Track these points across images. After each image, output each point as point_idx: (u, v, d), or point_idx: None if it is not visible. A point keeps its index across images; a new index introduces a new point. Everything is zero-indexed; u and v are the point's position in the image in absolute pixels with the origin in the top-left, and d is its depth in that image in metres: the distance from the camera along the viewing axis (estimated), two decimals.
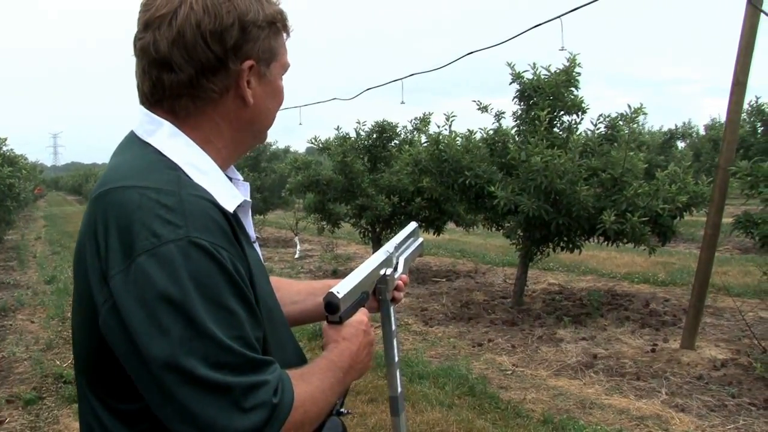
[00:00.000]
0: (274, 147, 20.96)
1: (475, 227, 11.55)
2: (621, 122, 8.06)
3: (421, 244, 1.82)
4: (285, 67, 1.29)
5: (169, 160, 1.14)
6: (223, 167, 1.24)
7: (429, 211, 11.20)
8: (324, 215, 11.75)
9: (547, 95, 7.97)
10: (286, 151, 20.09)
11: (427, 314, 8.63)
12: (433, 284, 10.94)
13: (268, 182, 18.67)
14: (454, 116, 8.49)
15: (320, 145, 11.34)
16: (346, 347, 1.27)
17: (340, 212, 11.74)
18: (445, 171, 8.11)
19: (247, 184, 1.34)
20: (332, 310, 1.26)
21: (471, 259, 13.86)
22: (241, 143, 1.29)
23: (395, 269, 1.58)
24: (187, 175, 1.13)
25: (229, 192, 1.17)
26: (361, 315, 1.34)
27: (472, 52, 9.68)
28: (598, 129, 8.08)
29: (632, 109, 7.37)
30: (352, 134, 11.38)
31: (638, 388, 5.76)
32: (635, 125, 7.57)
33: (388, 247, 1.59)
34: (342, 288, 1.28)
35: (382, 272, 1.50)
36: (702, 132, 22.43)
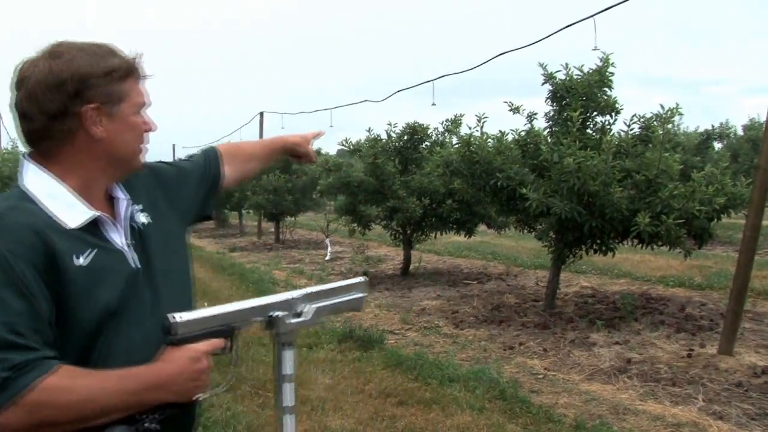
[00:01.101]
0: None
1: (506, 229, 11.46)
2: (655, 122, 7.92)
3: (360, 299, 1.78)
4: (138, 105, 1.54)
5: (27, 194, 1.44)
6: (95, 189, 1.52)
7: (460, 213, 11.13)
8: (355, 217, 11.75)
9: (580, 96, 7.86)
10: (317, 153, 20.12)
11: (458, 317, 8.56)
12: (464, 286, 10.87)
13: (299, 184, 18.75)
14: (485, 117, 8.42)
15: (351, 147, 11.34)
16: (161, 367, 1.39)
17: (371, 214, 11.73)
18: (477, 173, 8.04)
19: (126, 200, 1.58)
20: (165, 331, 1.37)
21: (502, 261, 13.75)
22: (106, 170, 1.54)
23: (297, 315, 1.55)
24: (35, 204, 1.42)
25: (74, 212, 1.44)
26: (203, 345, 1.42)
27: (503, 53, 9.65)
28: (632, 129, 7.94)
29: (667, 109, 7.22)
30: (383, 136, 11.36)
31: (674, 394, 5.64)
32: (670, 125, 7.41)
33: (297, 292, 1.59)
34: (185, 315, 1.37)
35: (272, 314, 1.51)
36: (740, 132, 21.98)
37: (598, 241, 7.89)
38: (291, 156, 2.29)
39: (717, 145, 21.53)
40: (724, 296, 9.64)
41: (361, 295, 1.78)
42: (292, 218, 20.53)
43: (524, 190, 7.39)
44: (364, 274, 12.37)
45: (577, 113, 7.30)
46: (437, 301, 9.60)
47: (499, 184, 7.88)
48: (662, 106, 7.11)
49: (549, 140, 7.45)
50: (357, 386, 5.67)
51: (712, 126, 21.52)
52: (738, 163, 17.28)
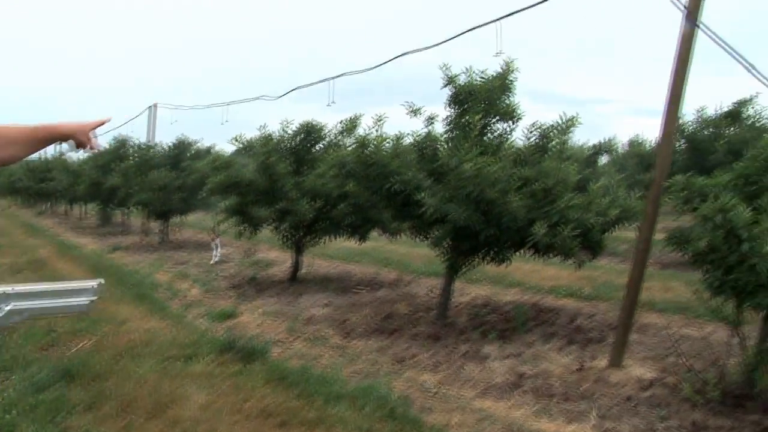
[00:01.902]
0: (197, 145, 20.13)
1: (400, 236, 11.15)
2: (553, 132, 7.82)
3: (87, 305, 1.64)
4: None
5: None
6: None
7: (354, 217, 10.74)
8: (244, 218, 11.14)
9: (481, 100, 7.66)
10: (210, 150, 19.25)
11: (347, 326, 8.17)
12: (354, 294, 10.49)
13: (189, 182, 17.85)
14: (384, 118, 8.07)
15: (243, 144, 10.75)
16: None
17: (261, 216, 11.17)
18: (372, 175, 7.69)
19: None
20: None
21: (395, 268, 13.48)
22: None
23: None
24: None
25: None
26: None
27: (405, 53, 9.35)
28: (531, 137, 7.79)
29: (566, 119, 7.09)
30: (278, 134, 10.83)
31: (567, 410, 5.45)
32: (566, 136, 7.30)
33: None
34: None
35: None
36: (624, 148, 22.66)
37: (494, 250, 7.70)
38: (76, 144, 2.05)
39: (602, 159, 22.12)
40: (612, 307, 9.72)
41: (88, 300, 1.64)
42: (181, 218, 19.56)
43: (420, 196, 7.10)
44: (251, 278, 11.79)
45: (478, 117, 7.07)
46: (326, 309, 9.18)
47: (394, 188, 7.55)
48: (562, 116, 6.97)
49: (448, 145, 7.17)
50: (235, 405, 5.15)
51: (600, 141, 22.10)
52: (623, 177, 17.72)
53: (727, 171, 5.94)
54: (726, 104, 14.33)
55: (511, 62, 7.75)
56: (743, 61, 5.76)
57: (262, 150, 10.19)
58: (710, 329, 8.48)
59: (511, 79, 7.74)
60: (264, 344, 7.07)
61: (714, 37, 5.84)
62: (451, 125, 8.07)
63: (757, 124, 13.83)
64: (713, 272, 5.39)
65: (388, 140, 7.86)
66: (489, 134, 7.99)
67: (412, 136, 8.09)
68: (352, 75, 10.42)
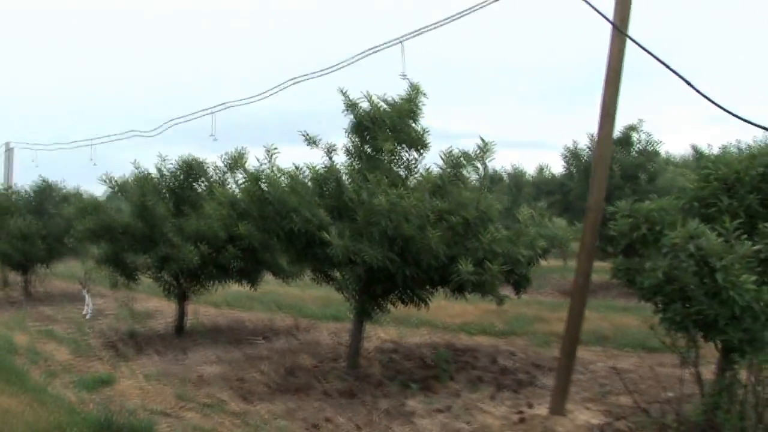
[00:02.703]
0: (63, 189, 18.34)
1: (297, 278, 10.22)
2: (463, 160, 7.17)
3: None
4: None
5: None
6: None
7: (244, 261, 9.73)
8: (119, 267, 9.85)
9: (387, 127, 6.95)
10: (77, 192, 17.56)
11: (246, 386, 7.13)
12: (249, 345, 9.42)
13: (54, 229, 16.11)
14: (276, 150, 7.14)
15: (115, 186, 9.51)
16: None
17: (139, 263, 9.93)
18: (268, 215, 6.76)
19: None
20: None
21: (289, 313, 12.47)
22: None
23: None
24: None
25: None
26: None
27: (295, 79, 8.55)
28: (446, 166, 7.07)
29: (482, 145, 6.42)
30: (155, 173, 9.67)
31: None
32: (485, 162, 6.63)
33: None
34: None
35: None
36: (505, 178, 22.62)
37: (411, 292, 6.93)
38: None
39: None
40: (529, 342, 9.18)
41: None
42: (46, 268, 17.61)
43: (326, 236, 6.24)
44: (130, 334, 10.47)
45: (388, 145, 6.32)
46: (219, 366, 8.07)
47: (295, 228, 6.66)
48: (482, 140, 6.29)
49: (354, 176, 6.35)
50: None
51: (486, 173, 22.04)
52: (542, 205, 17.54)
53: (673, 194, 5.50)
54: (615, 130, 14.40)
55: (417, 85, 7.10)
56: (679, 74, 5.31)
57: (138, 191, 9.01)
58: (633, 361, 8.07)
59: (418, 103, 7.08)
60: (148, 417, 5.96)
61: (646, 49, 5.37)
62: (354, 156, 7.31)
63: (649, 149, 13.93)
64: (672, 305, 4.83)
65: (284, 174, 6.97)
66: (394, 164, 7.27)
67: (310, 169, 7.25)
68: (235, 106, 9.46)
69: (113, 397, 6.77)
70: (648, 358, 8.19)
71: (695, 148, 18.23)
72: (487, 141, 6.34)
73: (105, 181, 9.36)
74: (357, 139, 7.33)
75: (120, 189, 9.32)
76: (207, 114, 9.16)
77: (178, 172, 9.68)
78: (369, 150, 7.25)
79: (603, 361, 8.03)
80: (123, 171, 9.57)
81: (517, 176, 21.57)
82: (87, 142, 13.21)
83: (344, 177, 6.96)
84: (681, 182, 14.25)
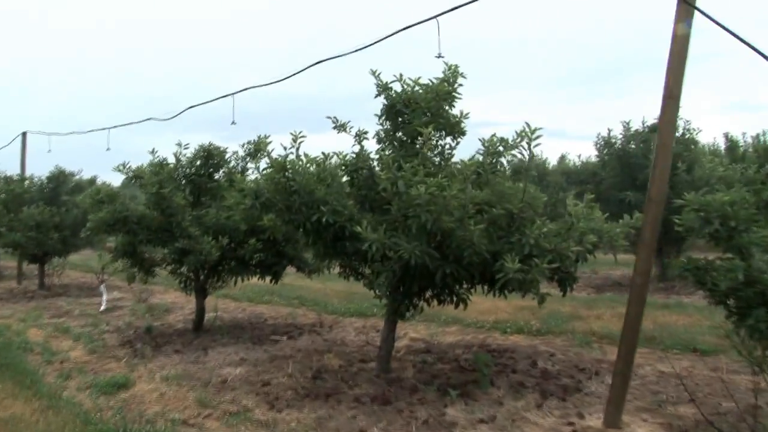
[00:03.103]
0: (77, 177, 17.93)
1: (322, 273, 9.71)
2: (503, 147, 6.60)
3: None
4: None
5: None
6: None
7: (265, 255, 9.25)
8: (135, 261, 9.39)
9: (423, 111, 6.40)
10: (92, 181, 17.15)
11: (272, 391, 6.64)
12: (272, 344, 8.94)
13: (69, 219, 15.73)
14: (303, 137, 6.62)
15: (130, 174, 9.03)
16: None
17: (156, 257, 9.47)
18: (295, 206, 6.25)
19: None
20: None
21: (312, 308, 12.00)
22: None
23: None
24: None
25: None
26: None
27: (320, 61, 8.01)
28: (489, 153, 6.47)
29: (528, 129, 5.81)
30: (172, 160, 9.19)
31: None
32: (531, 150, 6.01)
33: None
34: None
35: None
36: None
37: (447, 291, 6.40)
38: None
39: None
40: (568, 343, 8.63)
41: None
42: (61, 259, 17.25)
43: (359, 229, 5.72)
44: (147, 330, 10.02)
45: (429, 129, 5.77)
46: (242, 368, 7.59)
47: (324, 220, 6.15)
48: (527, 126, 5.70)
49: (389, 165, 5.79)
50: None
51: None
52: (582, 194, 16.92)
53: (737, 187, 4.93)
54: (650, 118, 13.72)
55: (456, 66, 6.53)
56: (747, 42, 4.73)
57: (154, 179, 8.52)
58: (685, 365, 7.49)
59: (455, 85, 6.53)
60: (167, 429, 5.49)
61: (718, 21, 4.79)
62: (386, 143, 6.77)
63: (686, 136, 13.27)
64: (754, 311, 4.29)
65: (311, 162, 6.45)
66: (429, 152, 6.72)
67: (339, 157, 6.73)
68: (257, 87, 8.93)
69: (130, 402, 6.30)
70: (699, 362, 7.63)
71: (729, 137, 17.50)
72: (533, 127, 5.76)
73: (120, 170, 8.87)
74: (389, 125, 6.80)
75: (135, 177, 8.83)
76: (227, 97, 8.63)
77: (196, 160, 9.19)
78: (403, 136, 6.71)
79: (651, 365, 7.46)
80: (141, 161, 9.07)
81: (538, 165, 20.96)
82: (103, 129, 12.62)
83: (377, 165, 6.43)
84: (720, 172, 13.64)
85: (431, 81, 6.51)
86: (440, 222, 5.51)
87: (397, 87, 6.68)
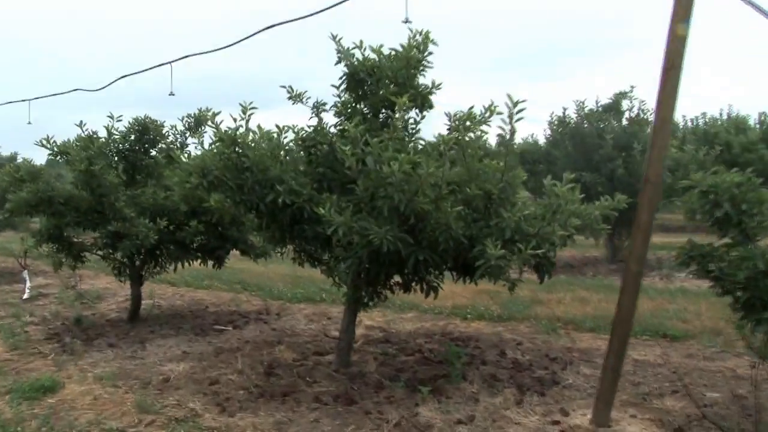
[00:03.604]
0: None
1: (269, 257, 9.03)
2: (471, 122, 6.08)
3: None
4: None
5: None
6: None
7: (208, 238, 8.53)
8: (62, 246, 8.51)
9: (390, 80, 5.80)
10: (12, 158, 15.93)
11: (221, 390, 5.98)
12: (216, 334, 8.24)
13: None
14: (253, 108, 5.90)
15: (54, 149, 8.11)
16: None
17: (86, 241, 8.61)
18: (247, 185, 5.57)
19: None
20: None
21: (256, 293, 11.29)
22: None
23: None
24: None
25: None
26: None
27: (270, 26, 7.31)
28: (457, 129, 5.93)
29: (510, 102, 5.27)
30: (103, 134, 8.30)
31: None
32: (512, 125, 5.47)
33: None
34: None
35: None
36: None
37: (419, 278, 5.84)
38: None
39: None
40: (533, 330, 8.23)
41: None
42: None
43: (321, 211, 5.09)
44: (77, 321, 9.16)
45: (405, 99, 5.15)
46: (185, 364, 6.88)
47: (280, 200, 5.50)
48: (510, 99, 5.15)
49: (359, 138, 5.15)
50: None
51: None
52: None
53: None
54: (603, 98, 13.43)
55: (426, 32, 5.93)
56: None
57: (82, 155, 7.64)
58: (657, 352, 7.16)
59: (426, 53, 5.93)
60: None
61: None
62: (345, 116, 6.13)
63: (642, 116, 13.03)
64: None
65: (265, 136, 5.77)
66: (393, 126, 6.12)
67: (294, 131, 6.06)
68: (197, 55, 8.09)
69: (59, 409, 5.53)
70: (671, 348, 7.32)
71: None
72: (514, 99, 5.21)
73: (44, 144, 7.96)
74: (350, 96, 6.17)
75: (61, 153, 7.93)
76: (165, 65, 7.79)
77: (131, 134, 8.35)
78: (364, 108, 6.10)
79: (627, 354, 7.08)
80: (69, 136, 8.15)
81: (481, 145, 20.61)
82: (23, 101, 11.50)
83: (341, 140, 5.78)
84: (673, 154, 13.47)
85: (398, 48, 5.89)
86: (414, 203, 4.93)
87: (358, 55, 6.05)
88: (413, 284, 5.94)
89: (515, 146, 5.58)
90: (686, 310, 8.80)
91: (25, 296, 11.64)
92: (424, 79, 6.01)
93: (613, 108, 12.84)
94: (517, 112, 5.23)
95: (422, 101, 5.96)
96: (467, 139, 5.44)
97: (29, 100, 11.53)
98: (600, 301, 9.38)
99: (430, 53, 5.90)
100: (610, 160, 11.95)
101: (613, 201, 5.47)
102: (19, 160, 15.66)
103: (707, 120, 21.09)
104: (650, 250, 13.79)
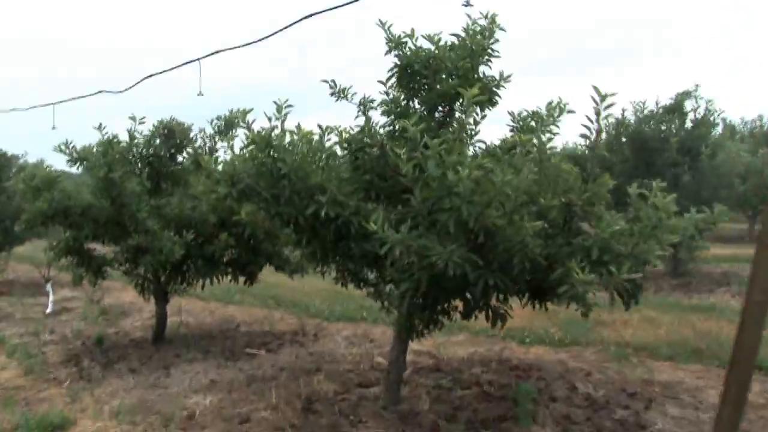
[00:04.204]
0: (22, 160, 16.16)
1: (303, 274, 8.26)
2: (536, 122, 5.27)
3: None
4: None
5: None
6: None
7: (240, 252, 7.78)
8: (81, 259, 7.81)
9: (451, 72, 4.97)
10: (36, 165, 15.40)
11: (253, 430, 5.18)
12: (248, 359, 7.47)
13: (11, 207, 13.98)
14: (289, 105, 5.11)
15: (74, 154, 7.40)
16: None
17: (106, 255, 7.91)
18: (285, 195, 4.77)
19: None
20: None
21: (290, 310, 10.50)
22: None
23: None
24: None
25: None
26: None
27: (308, 16, 6.52)
28: (523, 128, 5.17)
29: (600, 96, 4.41)
30: (125, 138, 7.57)
31: None
32: (599, 124, 4.61)
33: None
34: None
35: None
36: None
37: (481, 304, 4.97)
38: None
39: None
40: (600, 356, 7.31)
41: None
42: (3, 253, 15.49)
43: (372, 226, 4.27)
44: (98, 341, 8.45)
45: (474, 90, 4.31)
46: (213, 396, 6.10)
47: (323, 213, 4.69)
48: (597, 91, 4.29)
49: (419, 139, 4.32)
50: None
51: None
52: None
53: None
54: (664, 98, 12.40)
55: (493, 15, 5.09)
56: None
57: (102, 161, 6.92)
58: (758, 388, 6.19)
59: (492, 40, 5.09)
60: None
61: None
62: (396, 115, 5.30)
63: (708, 118, 11.99)
64: None
65: (305, 137, 4.98)
66: (450, 126, 5.29)
67: (337, 132, 5.26)
68: (228, 51, 7.34)
69: None
70: None
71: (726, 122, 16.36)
72: (603, 93, 4.35)
73: (62, 150, 7.27)
74: (401, 92, 5.35)
75: (80, 159, 7.22)
76: (193, 62, 7.05)
77: (155, 138, 7.63)
78: (419, 106, 5.28)
79: (714, 387, 6.16)
80: (91, 140, 7.43)
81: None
82: (47, 105, 10.91)
83: (389, 143, 4.96)
84: (746, 159, 12.43)
85: (460, 34, 5.06)
86: (484, 217, 4.09)
87: (411, 45, 5.24)
88: (475, 311, 5.06)
89: (602, 147, 4.68)
90: None
91: (48, 310, 11.03)
92: (490, 71, 5.16)
93: (676, 109, 11.86)
94: (605, 108, 4.38)
95: (489, 96, 5.10)
96: (543, 140, 4.58)
97: (53, 104, 10.94)
98: (672, 323, 8.41)
99: (497, 41, 5.05)
100: (675, 166, 10.98)
101: (712, 213, 4.59)
102: (42, 166, 15.13)
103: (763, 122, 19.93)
104: (711, 262, 12.61)
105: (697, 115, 11.91)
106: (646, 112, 12.25)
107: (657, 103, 12.26)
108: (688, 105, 12.00)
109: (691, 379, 6.44)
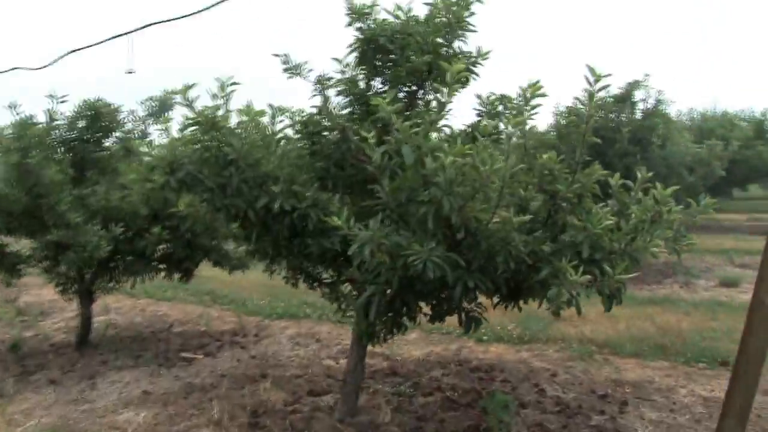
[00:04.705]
0: None
1: (244, 270, 7.65)
2: (502, 106, 4.85)
3: None
4: None
5: None
6: None
7: (174, 247, 7.09)
8: None
9: (421, 47, 4.43)
10: None
11: None
12: (184, 366, 6.79)
13: None
14: (234, 83, 4.47)
15: None
16: None
17: (22, 251, 7.08)
18: (232, 183, 4.15)
19: None
20: None
21: (228, 307, 9.83)
22: None
23: None
24: None
25: None
26: None
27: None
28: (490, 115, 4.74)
29: (595, 76, 3.96)
30: (43, 119, 6.74)
31: None
32: (592, 101, 4.17)
33: None
34: None
35: None
36: None
37: (454, 306, 4.47)
38: None
39: None
40: (563, 354, 6.95)
41: None
42: None
43: (336, 221, 3.71)
44: (13, 347, 7.61)
45: (462, 66, 3.78)
46: (146, 410, 5.43)
47: (276, 205, 4.11)
48: (590, 69, 3.84)
49: (394, 120, 3.76)
50: None
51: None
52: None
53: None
54: (614, 87, 12.09)
55: None
56: None
57: (15, 145, 6.11)
58: (723, 383, 5.92)
59: (468, 14, 4.57)
60: None
61: None
62: (357, 96, 4.74)
63: (659, 108, 11.79)
64: None
65: (255, 117, 4.38)
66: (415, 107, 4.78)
67: (289, 114, 4.68)
68: (161, 25, 6.66)
69: None
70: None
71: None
72: (598, 73, 3.90)
73: None
74: (362, 70, 4.79)
75: None
76: (121, 36, 6.30)
77: (79, 120, 6.83)
78: (382, 85, 4.73)
79: (684, 385, 5.89)
80: (2, 122, 6.58)
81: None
82: None
83: (351, 125, 4.40)
84: (694, 150, 12.33)
85: (434, 2, 4.53)
86: (468, 211, 3.59)
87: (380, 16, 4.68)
88: (445, 313, 4.56)
89: (589, 136, 4.22)
90: (736, 329, 7.61)
91: None
92: (466, 46, 4.64)
93: (626, 98, 11.61)
94: (599, 90, 3.95)
95: (458, 75, 4.58)
96: (524, 124, 4.09)
97: None
98: (632, 317, 8.14)
99: (473, 14, 4.53)
100: (626, 156, 10.75)
101: (698, 206, 4.21)
102: None
103: (697, 115, 20.19)
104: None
105: (648, 105, 11.73)
106: (596, 101, 11.94)
107: (607, 92, 12.03)
108: (638, 95, 11.79)
109: (660, 377, 6.13)
